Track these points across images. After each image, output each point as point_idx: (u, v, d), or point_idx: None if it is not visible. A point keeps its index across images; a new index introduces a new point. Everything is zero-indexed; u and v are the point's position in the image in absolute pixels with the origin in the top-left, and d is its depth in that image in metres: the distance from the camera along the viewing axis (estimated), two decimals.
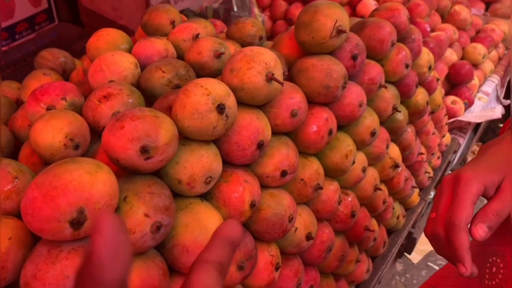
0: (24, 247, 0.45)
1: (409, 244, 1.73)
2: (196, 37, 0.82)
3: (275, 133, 0.67)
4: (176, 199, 0.55)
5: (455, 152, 1.45)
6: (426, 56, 0.98)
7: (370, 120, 0.81)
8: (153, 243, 0.48)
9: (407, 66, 0.87)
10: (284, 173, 0.65)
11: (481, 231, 0.47)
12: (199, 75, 0.73)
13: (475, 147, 2.42)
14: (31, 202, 0.41)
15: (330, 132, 0.71)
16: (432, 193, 1.29)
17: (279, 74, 0.60)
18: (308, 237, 0.70)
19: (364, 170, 0.83)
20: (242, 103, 0.61)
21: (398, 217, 1.08)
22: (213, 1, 1.82)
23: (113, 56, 0.70)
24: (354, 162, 0.79)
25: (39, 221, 0.40)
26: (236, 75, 0.58)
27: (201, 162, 0.54)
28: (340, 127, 0.80)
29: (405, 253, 1.81)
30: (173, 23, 0.91)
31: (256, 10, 1.78)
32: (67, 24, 2.20)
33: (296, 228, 0.70)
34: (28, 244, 0.46)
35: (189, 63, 0.74)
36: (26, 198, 0.41)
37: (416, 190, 1.16)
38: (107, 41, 0.78)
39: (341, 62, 0.74)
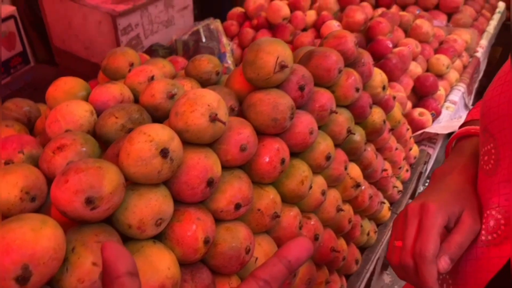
0: None
1: None
2: (151, 79, 0.85)
3: (226, 168, 0.70)
4: (128, 243, 0.57)
5: (425, 163, 1.49)
6: (378, 76, 1.02)
7: (324, 145, 0.85)
8: None
9: (357, 89, 0.91)
10: (238, 206, 0.67)
11: (445, 264, 0.49)
12: (153, 117, 0.76)
13: None
14: None
15: (283, 161, 0.74)
16: (404, 206, 1.31)
17: (222, 113, 0.63)
18: None
19: (323, 193, 0.86)
20: (189, 143, 0.64)
21: (368, 234, 1.11)
22: (182, 33, 1.86)
23: (67, 106, 0.73)
24: (311, 187, 0.82)
25: None
26: (180, 119, 0.62)
27: (150, 205, 0.57)
28: (295, 154, 0.83)
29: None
30: (131, 65, 0.95)
31: (224, 39, 1.82)
32: (42, 65, 2.23)
33: (257, 258, 0.72)
34: None
35: (143, 105, 0.77)
36: None
37: (386, 205, 1.19)
38: (64, 91, 0.81)
39: (289, 93, 0.77)
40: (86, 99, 0.82)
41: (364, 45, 1.66)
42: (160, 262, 0.56)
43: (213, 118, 0.61)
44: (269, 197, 0.74)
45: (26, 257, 0.43)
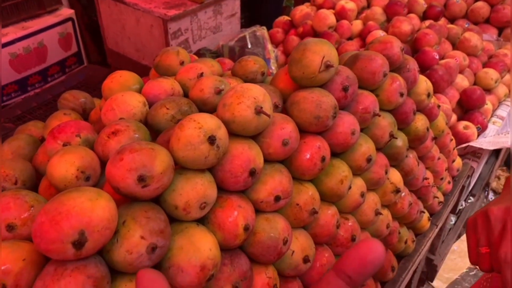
0: (36, 268, 0.51)
1: (430, 272, 1.71)
2: (200, 75, 0.89)
3: (269, 161, 0.72)
4: (173, 224, 0.61)
5: (468, 177, 1.46)
6: (423, 84, 1.02)
7: (365, 147, 0.85)
8: (149, 263, 0.53)
9: (401, 94, 0.92)
10: (277, 198, 0.69)
11: None
12: (201, 111, 0.80)
13: (500, 172, 2.39)
14: (39, 226, 0.47)
15: (323, 159, 0.76)
16: (444, 219, 1.29)
17: (267, 107, 0.66)
18: (305, 260, 0.74)
19: (362, 195, 0.86)
20: (235, 135, 0.67)
21: (406, 242, 1.10)
22: (229, 39, 1.92)
23: (122, 96, 0.78)
24: (350, 188, 0.82)
25: (46, 243, 0.47)
26: (227, 110, 0.65)
27: (196, 189, 0.60)
28: (336, 154, 0.84)
29: (428, 281, 1.78)
30: (182, 63, 0.99)
31: (269, 45, 1.86)
32: (95, 65, 2.35)
33: (293, 251, 0.73)
34: (40, 265, 0.52)
35: (192, 99, 0.81)
36: (36, 223, 0.48)
37: (426, 215, 1.18)
38: (119, 83, 0.86)
39: (332, 93, 0.79)
40: (139, 92, 0.86)
41: (410, 55, 1.65)
42: (202, 243, 0.58)
43: (258, 111, 0.64)
44: (308, 193, 0.75)
45: (83, 224, 0.47)
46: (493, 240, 0.51)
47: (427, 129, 1.02)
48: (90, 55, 2.63)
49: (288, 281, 0.75)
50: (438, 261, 1.68)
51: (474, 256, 0.55)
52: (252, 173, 0.65)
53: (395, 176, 0.97)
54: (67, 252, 0.47)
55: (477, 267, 0.54)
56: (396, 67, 0.96)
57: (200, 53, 1.82)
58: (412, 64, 0.98)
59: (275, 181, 0.69)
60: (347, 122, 0.80)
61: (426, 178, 1.10)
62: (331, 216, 0.81)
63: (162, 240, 0.54)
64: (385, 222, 0.96)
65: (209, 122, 0.60)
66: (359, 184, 0.87)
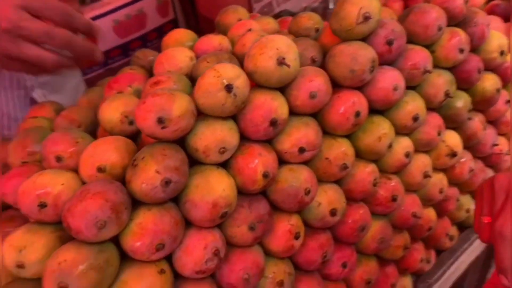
0: (72, 192, 0.61)
1: None
2: (248, 31, 0.92)
3: (297, 114, 0.73)
4: (195, 166, 0.66)
5: None
6: (496, 40, 0.92)
7: (413, 105, 0.81)
8: (164, 195, 0.59)
9: (461, 51, 0.85)
10: (301, 150, 0.71)
11: None
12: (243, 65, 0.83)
13: None
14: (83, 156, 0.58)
15: (357, 114, 0.74)
16: None
17: (291, 58, 0.67)
18: (332, 213, 0.75)
19: (407, 155, 0.83)
20: (260, 86, 0.69)
21: (468, 211, 1.03)
22: (312, 1, 1.89)
23: (172, 51, 0.84)
24: (391, 146, 0.80)
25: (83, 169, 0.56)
26: (250, 61, 0.67)
27: (215, 134, 0.64)
28: (379, 112, 0.82)
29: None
30: (239, 21, 1.03)
31: None
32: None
33: (320, 203, 0.75)
34: (75, 190, 0.61)
35: (235, 54, 0.84)
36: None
37: None
38: (175, 39, 0.93)
39: (374, 47, 0.76)
40: (193, 48, 0.92)
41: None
42: (217, 183, 0.63)
43: (280, 62, 0.65)
44: (340, 148, 0.75)
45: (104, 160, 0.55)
46: (494, 210, 0.48)
47: (497, 91, 0.93)
48: (187, 22, 2.77)
49: (315, 231, 0.77)
50: None
51: (477, 225, 0.52)
52: (273, 123, 0.67)
53: (453, 139, 0.91)
54: (94, 175, 0.57)
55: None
56: (459, 21, 0.88)
57: (279, 16, 1.83)
58: (481, 18, 0.89)
59: (300, 133, 0.71)
60: (389, 77, 0.78)
61: (496, 145, 1.01)
62: (368, 174, 0.79)
63: (177, 176, 0.59)
64: (438, 187, 0.92)
65: (228, 71, 0.63)
66: (404, 143, 0.83)
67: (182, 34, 0.94)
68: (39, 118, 0.87)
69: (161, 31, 2.46)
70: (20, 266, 0.58)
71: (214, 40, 0.89)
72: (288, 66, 0.66)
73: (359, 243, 0.84)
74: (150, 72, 1.06)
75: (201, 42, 0.90)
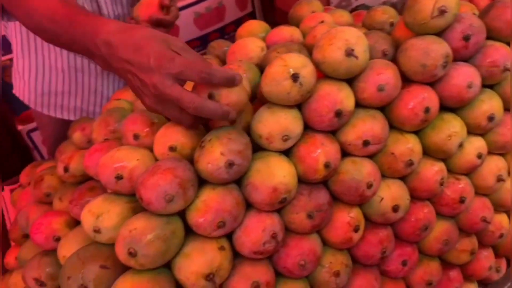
0: (145, 167, 0.66)
1: None
2: (320, 23, 0.92)
3: (364, 106, 0.73)
4: (258, 151, 0.69)
5: None
6: None
7: (488, 105, 0.78)
8: (227, 176, 0.63)
9: None
10: (366, 143, 0.70)
11: None
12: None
13: None
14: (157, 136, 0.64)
15: (427, 110, 0.73)
16: None
17: (360, 50, 0.67)
18: (395, 209, 0.74)
19: (480, 156, 0.79)
20: (328, 77, 0.70)
21: None
22: None
23: (244, 41, 0.88)
24: (461, 145, 0.77)
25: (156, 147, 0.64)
26: (319, 51, 0.68)
27: (279, 122, 0.66)
28: (452, 109, 0.79)
29: None
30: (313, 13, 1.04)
31: None
32: None
33: (382, 198, 0.74)
34: (149, 165, 0.66)
35: (306, 45, 0.86)
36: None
37: None
38: (248, 30, 0.96)
39: (450, 42, 0.74)
40: (264, 39, 0.95)
41: None
42: (278, 169, 0.65)
43: (349, 53, 0.66)
44: (406, 144, 0.74)
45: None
46: None
47: None
48: (264, 15, 2.81)
49: (375, 226, 0.76)
50: None
51: None
52: (338, 114, 0.68)
53: None
54: (165, 154, 0.62)
55: None
56: None
57: (356, 10, 1.80)
58: None
59: (366, 126, 0.71)
60: (464, 74, 0.75)
61: None
62: (435, 173, 0.77)
63: (240, 159, 0.62)
64: None
65: (294, 61, 0.65)
66: (477, 144, 0.80)
67: (255, 26, 0.97)
68: (122, 100, 0.95)
69: (238, 24, 2.52)
70: (97, 231, 0.64)
71: (286, 32, 0.91)
72: (357, 57, 0.66)
73: (421, 243, 0.82)
74: (223, 62, 1.11)
75: (273, 34, 0.92)
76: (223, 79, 0.61)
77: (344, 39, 0.66)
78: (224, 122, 0.69)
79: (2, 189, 1.26)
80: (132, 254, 0.58)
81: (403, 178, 0.78)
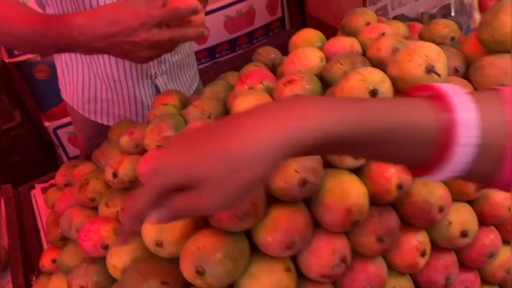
0: None
1: None
2: (381, 35, 0.89)
3: None
4: (329, 169, 0.65)
5: None
6: None
7: None
8: (299, 194, 0.59)
9: None
10: None
11: None
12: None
13: None
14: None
15: None
16: None
17: (440, 67, 0.63)
18: (463, 234, 0.70)
19: None
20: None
21: None
22: (431, 7, 1.80)
23: (303, 51, 0.84)
24: None
25: None
26: (397, 67, 0.65)
27: None
28: None
29: None
30: (367, 24, 1.00)
31: (477, 15, 1.69)
32: (295, 31, 2.49)
33: (450, 223, 0.70)
34: None
35: (369, 58, 0.82)
36: None
37: None
38: (304, 39, 0.93)
39: None
40: (321, 49, 0.92)
41: None
42: (351, 189, 0.62)
43: (429, 70, 0.63)
44: None
45: None
46: None
47: None
48: (292, 21, 2.79)
49: (440, 251, 0.73)
50: None
51: None
52: None
53: None
54: None
55: None
56: None
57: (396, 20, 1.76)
58: None
59: None
60: None
61: None
62: (504, 197, 0.73)
63: (313, 177, 0.59)
64: None
65: (373, 76, 0.61)
66: None
67: (311, 34, 0.94)
68: (169, 105, 0.92)
69: (267, 29, 2.51)
70: (159, 244, 0.61)
71: (345, 42, 0.87)
72: (439, 75, 0.63)
73: (484, 269, 0.78)
74: (272, 70, 1.08)
75: (331, 44, 0.89)
76: (188, 11, 0.77)
77: (424, 55, 0.63)
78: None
79: (33, 187, 1.24)
80: (200, 273, 0.55)
81: (470, 202, 0.74)
